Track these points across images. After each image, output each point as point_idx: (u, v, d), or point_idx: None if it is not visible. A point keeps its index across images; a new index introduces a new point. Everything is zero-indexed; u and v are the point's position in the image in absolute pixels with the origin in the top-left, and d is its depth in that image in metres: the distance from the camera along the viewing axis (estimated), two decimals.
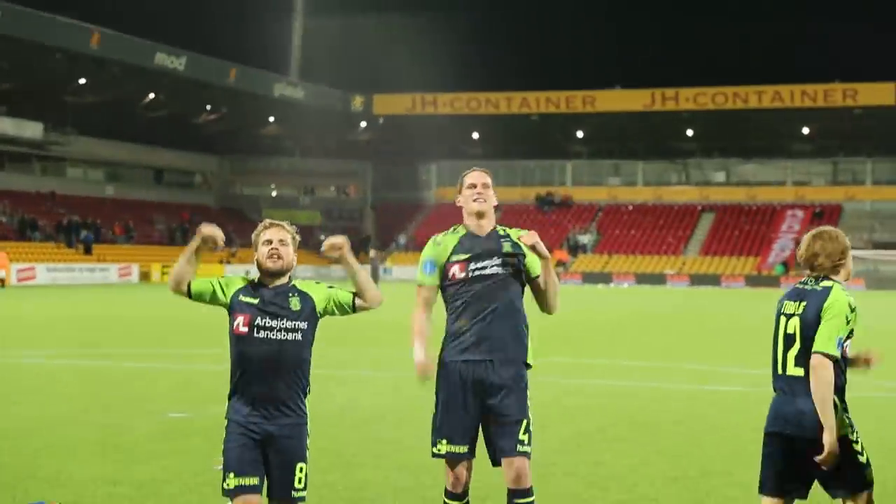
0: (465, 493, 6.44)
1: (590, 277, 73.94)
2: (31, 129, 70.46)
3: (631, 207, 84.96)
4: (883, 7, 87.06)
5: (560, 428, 12.29)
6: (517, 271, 6.47)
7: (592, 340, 25.33)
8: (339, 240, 5.98)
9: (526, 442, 6.42)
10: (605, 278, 73.79)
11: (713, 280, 71.92)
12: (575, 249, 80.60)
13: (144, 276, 66.43)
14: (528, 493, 6.42)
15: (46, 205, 71.93)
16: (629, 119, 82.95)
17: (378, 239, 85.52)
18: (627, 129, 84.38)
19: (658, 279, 72.87)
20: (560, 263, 77.20)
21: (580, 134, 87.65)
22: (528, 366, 6.56)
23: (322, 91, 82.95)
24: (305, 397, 5.93)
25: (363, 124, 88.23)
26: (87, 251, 67.06)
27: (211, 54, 72.97)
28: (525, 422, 6.43)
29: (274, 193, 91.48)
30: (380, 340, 23.77)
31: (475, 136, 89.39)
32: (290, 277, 5.97)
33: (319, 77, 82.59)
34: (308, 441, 5.94)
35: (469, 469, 6.45)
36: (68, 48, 63.35)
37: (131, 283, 64.40)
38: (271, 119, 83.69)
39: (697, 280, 72.20)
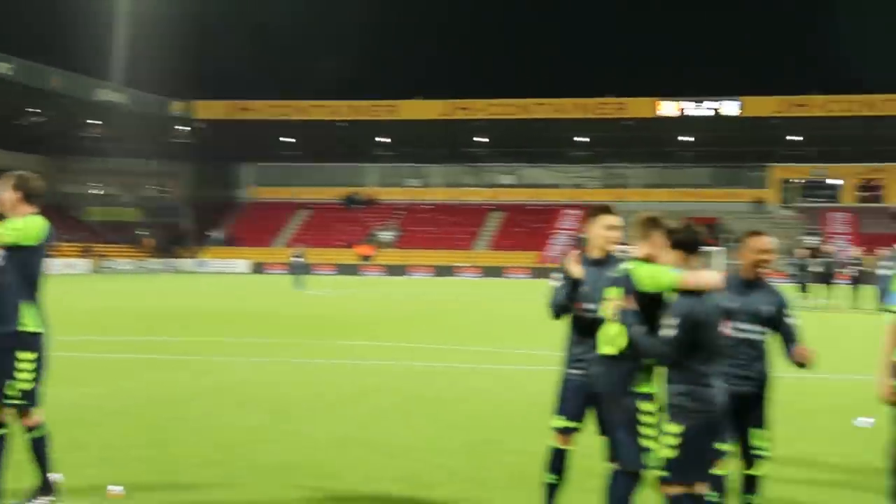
0: None
1: (391, 270, 74.39)
2: None
3: (429, 207, 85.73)
4: (650, 31, 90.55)
5: (359, 405, 12.44)
6: None
7: (389, 325, 25.54)
8: None
9: None
10: (403, 271, 74.35)
11: (499, 272, 73.28)
12: (378, 244, 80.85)
13: None
14: None
15: None
16: (428, 126, 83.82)
17: (195, 235, 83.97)
18: (426, 136, 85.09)
19: (451, 271, 73.81)
20: (364, 257, 77.44)
21: (383, 139, 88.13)
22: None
23: (143, 96, 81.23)
24: None
25: (183, 127, 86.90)
26: None
27: (37, 60, 70.65)
28: None
29: (96, 192, 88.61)
30: (189, 328, 23.47)
31: (288, 140, 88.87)
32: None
33: (142, 83, 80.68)
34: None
35: None
36: None
37: None
38: (94, 121, 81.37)
39: (486, 272, 73.44)
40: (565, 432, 6.97)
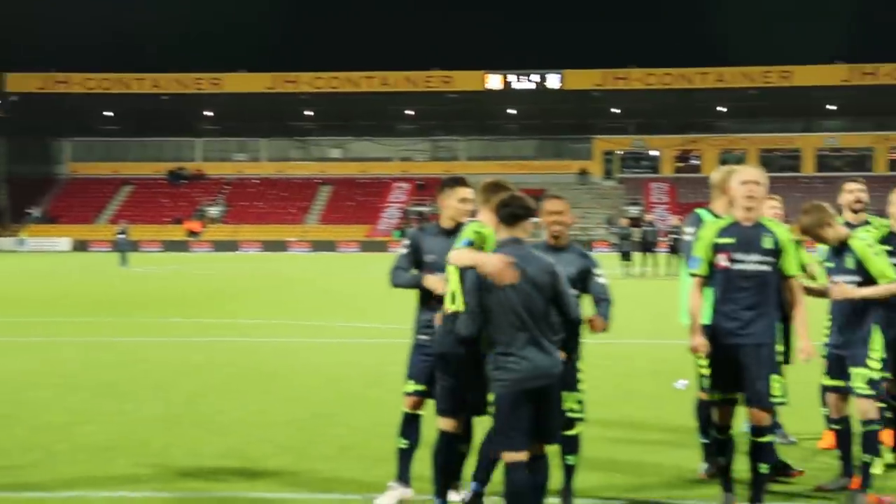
0: None
1: (220, 245, 73.20)
2: None
3: (257, 181, 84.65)
4: (476, 4, 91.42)
5: (186, 382, 12.22)
6: None
7: (219, 302, 25.14)
8: None
9: None
10: (233, 246, 73.27)
11: (331, 246, 72.98)
12: (206, 220, 79.42)
13: None
14: None
15: None
16: (254, 100, 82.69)
17: (13, 212, 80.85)
18: (252, 109, 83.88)
19: (282, 246, 73.14)
20: (192, 233, 76.02)
21: (208, 113, 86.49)
22: None
23: None
24: None
25: None
26: None
27: None
28: None
29: None
30: (6, 309, 22.64)
31: (109, 114, 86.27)
32: None
33: None
34: None
35: None
36: None
37: None
38: None
39: (317, 246, 73.03)
40: (416, 396, 7.00)
